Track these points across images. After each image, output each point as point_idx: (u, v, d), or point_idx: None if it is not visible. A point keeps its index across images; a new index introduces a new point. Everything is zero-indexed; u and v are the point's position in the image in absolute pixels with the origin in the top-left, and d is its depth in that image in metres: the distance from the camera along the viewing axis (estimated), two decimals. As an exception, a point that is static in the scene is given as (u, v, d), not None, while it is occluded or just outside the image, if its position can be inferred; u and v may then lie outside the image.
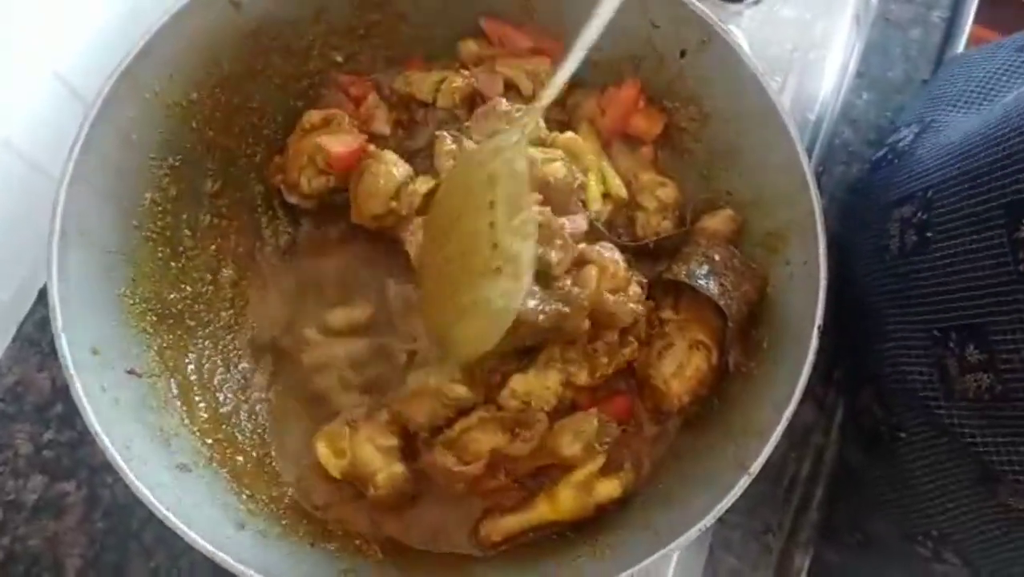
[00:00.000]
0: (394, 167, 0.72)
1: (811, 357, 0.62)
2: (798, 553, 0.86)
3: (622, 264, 0.70)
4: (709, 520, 0.59)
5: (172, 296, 0.74)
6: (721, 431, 0.68)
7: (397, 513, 0.71)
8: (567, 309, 0.66)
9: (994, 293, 0.64)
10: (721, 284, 0.70)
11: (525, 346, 0.69)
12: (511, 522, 0.70)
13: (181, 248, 0.75)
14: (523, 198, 0.62)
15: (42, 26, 0.78)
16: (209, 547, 0.56)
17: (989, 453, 0.68)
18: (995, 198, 0.63)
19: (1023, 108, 0.64)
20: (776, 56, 0.84)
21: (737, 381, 0.70)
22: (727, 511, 0.63)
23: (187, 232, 0.76)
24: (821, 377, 0.90)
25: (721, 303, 0.69)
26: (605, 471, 0.71)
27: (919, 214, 0.72)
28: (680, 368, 0.71)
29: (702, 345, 0.72)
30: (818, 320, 0.63)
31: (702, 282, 0.69)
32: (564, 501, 0.70)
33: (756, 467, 0.60)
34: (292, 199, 0.78)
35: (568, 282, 0.68)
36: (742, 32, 0.84)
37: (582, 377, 0.70)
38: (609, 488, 0.70)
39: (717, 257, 0.71)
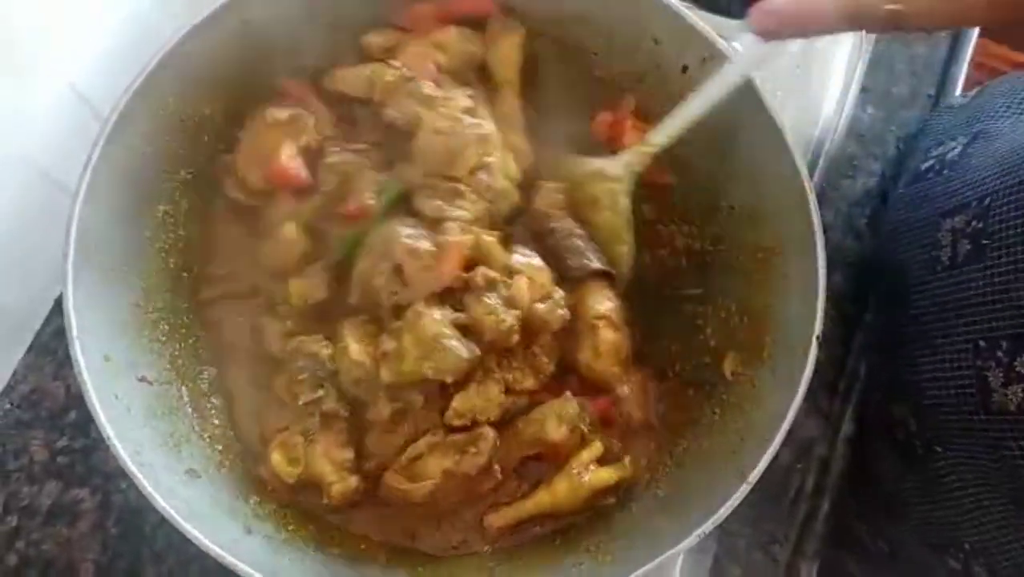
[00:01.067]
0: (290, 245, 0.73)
1: (810, 366, 0.63)
2: (804, 565, 0.86)
3: (546, 271, 0.71)
4: (708, 527, 0.60)
5: (184, 306, 0.75)
6: (721, 440, 0.69)
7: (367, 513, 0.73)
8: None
9: None
10: (577, 251, 0.73)
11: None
12: (511, 512, 0.72)
13: (193, 260, 0.76)
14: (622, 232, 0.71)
15: (58, 41, 0.79)
16: (218, 550, 0.57)
17: None
18: None
19: None
20: (778, 71, 0.85)
21: (737, 390, 0.71)
22: (732, 521, 0.64)
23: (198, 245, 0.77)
24: (826, 389, 0.91)
25: (593, 267, 0.72)
26: (602, 461, 0.72)
27: (974, 223, 0.73)
28: (594, 350, 0.73)
29: (602, 319, 0.73)
30: (817, 330, 0.64)
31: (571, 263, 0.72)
32: (560, 490, 0.71)
33: (755, 476, 0.61)
34: (235, 194, 0.76)
35: (502, 293, 0.68)
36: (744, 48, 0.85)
37: (528, 382, 0.71)
38: (604, 476, 0.71)
39: (555, 231, 0.73)
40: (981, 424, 0.71)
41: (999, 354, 0.68)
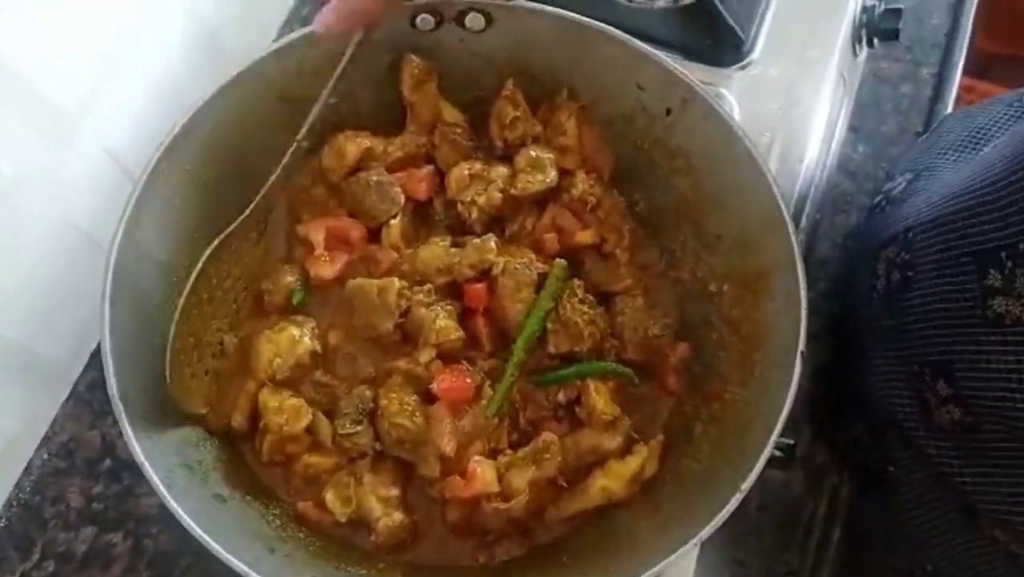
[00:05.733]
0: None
1: (795, 380, 0.66)
2: (818, 592, 0.88)
3: None
4: (705, 533, 0.62)
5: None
6: (719, 456, 0.72)
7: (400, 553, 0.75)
8: None
9: (960, 334, 0.67)
10: None
11: None
12: (575, 504, 0.75)
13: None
14: None
15: (96, 108, 0.84)
16: (244, 568, 0.61)
17: (966, 484, 0.70)
18: (965, 245, 0.66)
19: (993, 161, 0.67)
20: (765, 114, 0.89)
21: (731, 409, 0.74)
22: (746, 552, 0.65)
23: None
24: (833, 419, 0.93)
25: None
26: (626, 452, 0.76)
27: (902, 254, 0.76)
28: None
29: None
30: (801, 346, 0.67)
31: None
32: (617, 489, 0.74)
33: (747, 485, 0.63)
34: None
35: None
36: (732, 93, 0.90)
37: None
38: (652, 464, 0.76)
39: None
40: (923, 441, 0.73)
41: (926, 379, 0.71)
